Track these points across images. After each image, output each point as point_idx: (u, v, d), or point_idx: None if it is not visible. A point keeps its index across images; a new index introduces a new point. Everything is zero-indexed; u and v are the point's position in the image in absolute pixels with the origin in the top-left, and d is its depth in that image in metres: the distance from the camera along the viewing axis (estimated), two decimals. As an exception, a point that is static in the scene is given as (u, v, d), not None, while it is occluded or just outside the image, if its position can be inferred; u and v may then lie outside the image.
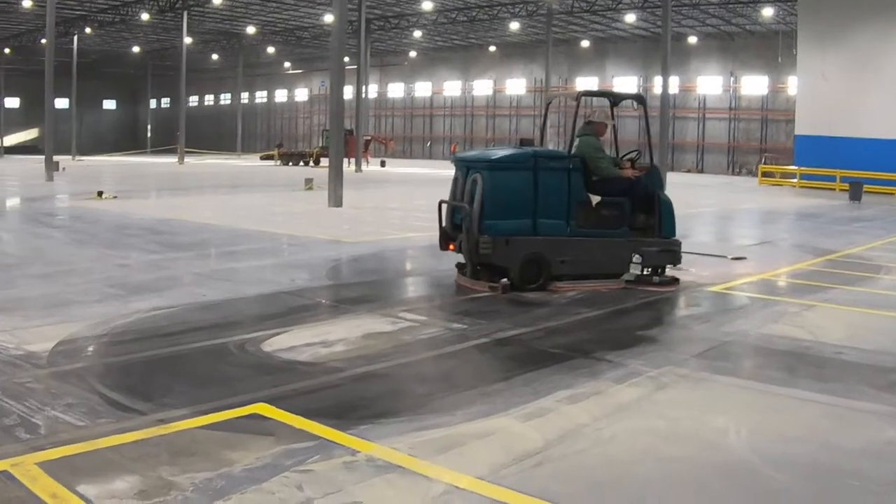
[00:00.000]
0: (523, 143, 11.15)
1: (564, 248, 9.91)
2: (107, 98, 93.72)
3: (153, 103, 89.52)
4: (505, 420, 5.22)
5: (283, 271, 11.18)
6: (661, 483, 4.37)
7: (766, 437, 5.07)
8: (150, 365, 6.39)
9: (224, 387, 5.74)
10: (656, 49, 45.96)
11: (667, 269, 10.49)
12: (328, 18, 33.80)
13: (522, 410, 5.40)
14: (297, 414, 5.15)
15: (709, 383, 6.21)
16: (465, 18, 55.46)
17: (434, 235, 11.08)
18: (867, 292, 10.62)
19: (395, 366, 6.53)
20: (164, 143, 76.59)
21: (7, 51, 68.53)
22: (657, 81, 44.31)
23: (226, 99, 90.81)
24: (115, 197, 23.26)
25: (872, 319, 8.91)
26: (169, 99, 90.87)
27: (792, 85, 47.69)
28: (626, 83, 60.38)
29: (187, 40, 56.66)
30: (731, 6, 47.06)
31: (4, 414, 5.02)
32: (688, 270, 11.18)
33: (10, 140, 73.98)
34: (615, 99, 11.27)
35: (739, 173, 55.12)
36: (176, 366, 6.40)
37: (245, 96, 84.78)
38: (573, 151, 10.28)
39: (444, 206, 10.58)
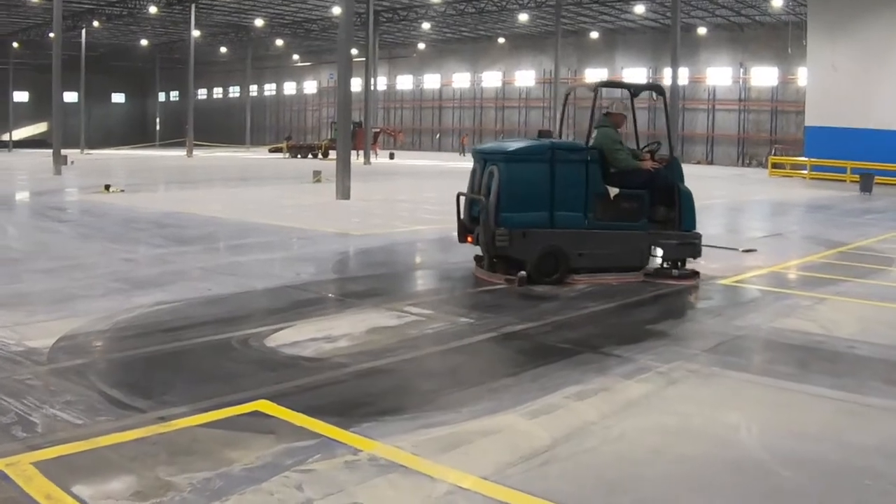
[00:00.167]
0: (542, 134, 11.04)
1: (582, 240, 9.79)
2: (115, 91, 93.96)
3: (162, 96, 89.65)
4: (512, 417, 5.12)
5: (289, 265, 11.09)
6: (672, 482, 4.26)
7: (778, 434, 4.96)
8: (152, 361, 6.31)
9: (226, 383, 5.65)
10: (666, 40, 45.79)
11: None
12: (336, 10, 33.70)
13: (530, 407, 5.29)
14: (299, 411, 5.05)
15: (720, 379, 6.10)
16: (473, 10, 55.34)
17: (443, 228, 11.03)
18: (879, 285, 10.49)
19: (400, 361, 6.43)
20: (172, 137, 76.75)
21: (16, 45, 68.74)
22: (667, 73, 44.20)
23: (235, 92, 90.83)
24: (122, 190, 23.22)
25: (885, 313, 8.77)
26: (178, 92, 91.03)
27: (802, 76, 47.48)
28: (635, 74, 60.13)
29: (195, 33, 56.65)
30: (740, -3, 46.90)
31: (2, 412, 4.93)
32: (698, 263, 11.04)
33: (20, 134, 74.11)
34: (634, 90, 11.18)
35: (749, 165, 54.90)
36: (178, 362, 6.31)
37: (254, 89, 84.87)
38: (591, 143, 10.18)
39: (462, 199, 10.53)
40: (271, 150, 62.36)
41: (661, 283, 9.86)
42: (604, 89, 10.78)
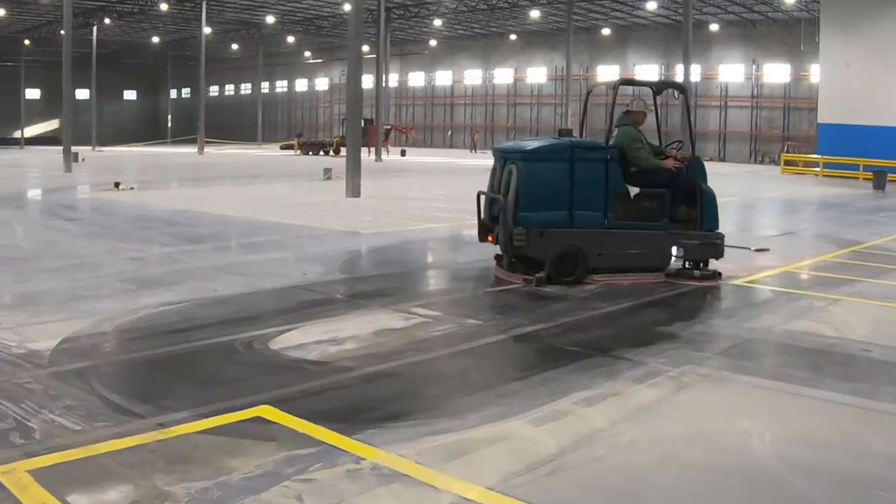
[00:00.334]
0: (562, 133, 10.95)
1: (602, 240, 9.68)
2: (127, 88, 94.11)
3: (173, 93, 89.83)
4: (519, 424, 5.01)
5: (297, 264, 10.99)
6: (682, 492, 4.16)
7: (791, 442, 4.85)
8: (154, 364, 6.24)
9: (227, 388, 5.56)
10: (678, 37, 45.45)
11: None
12: (347, 7, 33.59)
13: (537, 413, 5.18)
14: (301, 417, 4.94)
15: (731, 383, 5.98)
16: (485, 6, 55.17)
17: (455, 226, 10.94)
18: (894, 286, 10.33)
19: (407, 364, 6.33)
20: (184, 133, 76.79)
21: (27, 42, 68.83)
22: (679, 70, 43.94)
23: (246, 89, 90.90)
24: (132, 188, 23.19)
25: (901, 315, 8.62)
26: (189, 89, 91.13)
27: (814, 73, 47.12)
28: (647, 71, 59.82)
29: (207, 30, 56.71)
30: (753, -7, 46.63)
31: (0, 417, 4.86)
32: (711, 262, 10.91)
33: (31, 131, 74.26)
34: (657, 88, 11.05)
35: (762, 162, 54.59)
36: (179, 365, 6.23)
37: (265, 86, 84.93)
38: (611, 142, 10.07)
39: (483, 198, 10.46)
40: (283, 147, 62.38)
41: (678, 284, 9.73)
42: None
